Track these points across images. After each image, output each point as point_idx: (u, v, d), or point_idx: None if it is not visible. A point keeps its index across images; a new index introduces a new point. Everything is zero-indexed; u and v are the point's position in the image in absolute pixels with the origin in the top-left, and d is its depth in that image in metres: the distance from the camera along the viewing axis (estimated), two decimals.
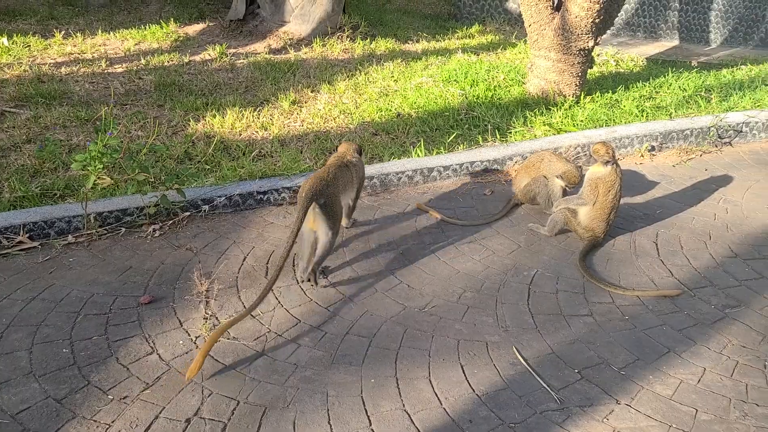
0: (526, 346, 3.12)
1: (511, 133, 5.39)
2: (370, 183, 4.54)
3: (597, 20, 5.80)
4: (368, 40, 8.46)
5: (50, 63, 6.95)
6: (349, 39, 8.43)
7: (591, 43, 6.05)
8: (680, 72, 7.30)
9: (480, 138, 5.30)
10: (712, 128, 5.32)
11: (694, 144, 5.33)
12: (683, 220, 4.27)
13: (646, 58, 8.30)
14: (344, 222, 3.94)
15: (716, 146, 5.38)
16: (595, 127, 5.35)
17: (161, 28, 8.51)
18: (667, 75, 7.07)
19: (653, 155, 5.21)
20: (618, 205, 3.89)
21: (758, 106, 5.93)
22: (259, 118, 5.64)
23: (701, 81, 6.88)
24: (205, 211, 4.06)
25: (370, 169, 4.59)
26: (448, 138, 5.19)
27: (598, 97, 6.34)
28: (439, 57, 7.78)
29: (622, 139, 5.13)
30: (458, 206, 4.44)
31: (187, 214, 4.04)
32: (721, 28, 8.86)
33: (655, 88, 6.74)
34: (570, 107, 6.03)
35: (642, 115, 5.71)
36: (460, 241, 4.00)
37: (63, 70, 6.73)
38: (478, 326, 3.24)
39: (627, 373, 2.96)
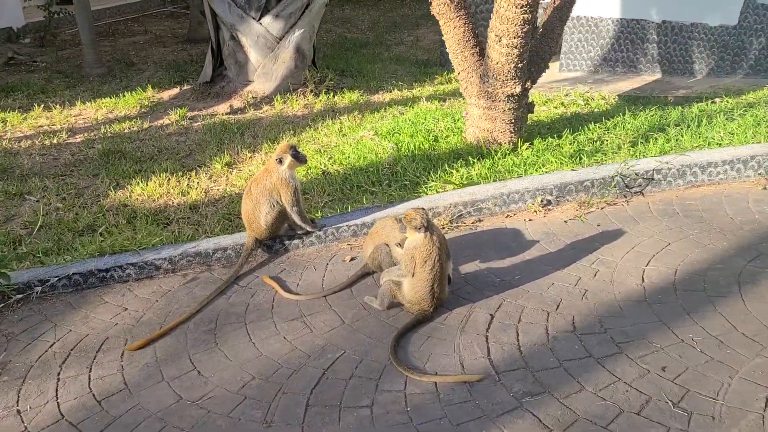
0: None
1: (426, 187, 5.12)
2: (225, 254, 4.42)
3: (519, 65, 5.52)
4: (330, 93, 8.43)
5: (12, 137, 7.26)
6: (312, 94, 8.44)
7: (518, 89, 5.73)
8: (643, 109, 6.77)
9: (396, 195, 5.07)
10: (617, 177, 4.85)
11: (598, 195, 4.86)
12: (540, 287, 3.86)
13: (618, 95, 7.78)
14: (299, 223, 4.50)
15: (625, 197, 4.88)
16: (484, 183, 4.98)
17: (137, 94, 8.78)
18: (624, 114, 6.57)
19: (548, 210, 4.79)
20: (441, 276, 3.56)
21: (699, 146, 5.38)
22: (185, 183, 5.65)
23: (658, 119, 6.36)
24: (37, 292, 4.06)
25: (226, 240, 4.48)
26: (323, 199, 5.01)
27: (539, 142, 5.97)
28: (403, 106, 7.60)
29: (511, 195, 4.76)
30: (308, 277, 4.22)
31: (20, 296, 4.06)
32: (705, 58, 8.20)
33: (608, 129, 6.29)
34: (505, 155, 5.70)
35: (570, 162, 5.27)
36: (285, 317, 3.79)
37: (23, 143, 7.00)
38: (242, 422, 3.02)
39: None
